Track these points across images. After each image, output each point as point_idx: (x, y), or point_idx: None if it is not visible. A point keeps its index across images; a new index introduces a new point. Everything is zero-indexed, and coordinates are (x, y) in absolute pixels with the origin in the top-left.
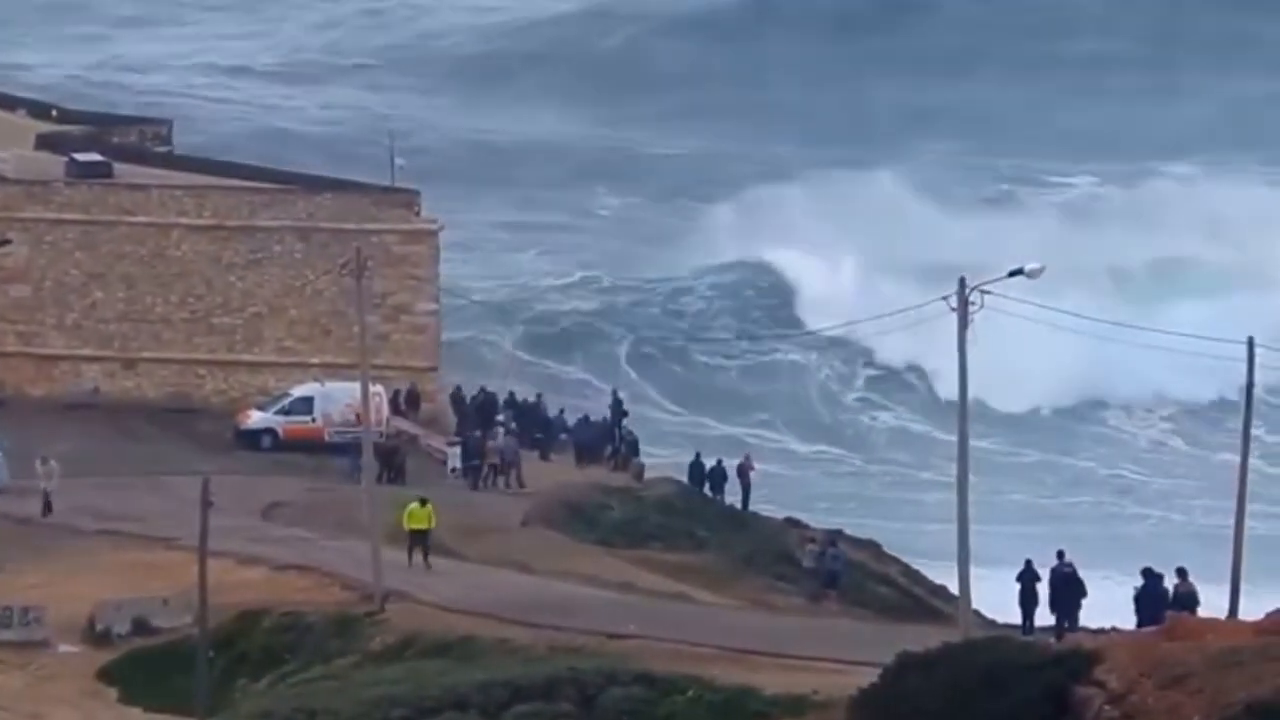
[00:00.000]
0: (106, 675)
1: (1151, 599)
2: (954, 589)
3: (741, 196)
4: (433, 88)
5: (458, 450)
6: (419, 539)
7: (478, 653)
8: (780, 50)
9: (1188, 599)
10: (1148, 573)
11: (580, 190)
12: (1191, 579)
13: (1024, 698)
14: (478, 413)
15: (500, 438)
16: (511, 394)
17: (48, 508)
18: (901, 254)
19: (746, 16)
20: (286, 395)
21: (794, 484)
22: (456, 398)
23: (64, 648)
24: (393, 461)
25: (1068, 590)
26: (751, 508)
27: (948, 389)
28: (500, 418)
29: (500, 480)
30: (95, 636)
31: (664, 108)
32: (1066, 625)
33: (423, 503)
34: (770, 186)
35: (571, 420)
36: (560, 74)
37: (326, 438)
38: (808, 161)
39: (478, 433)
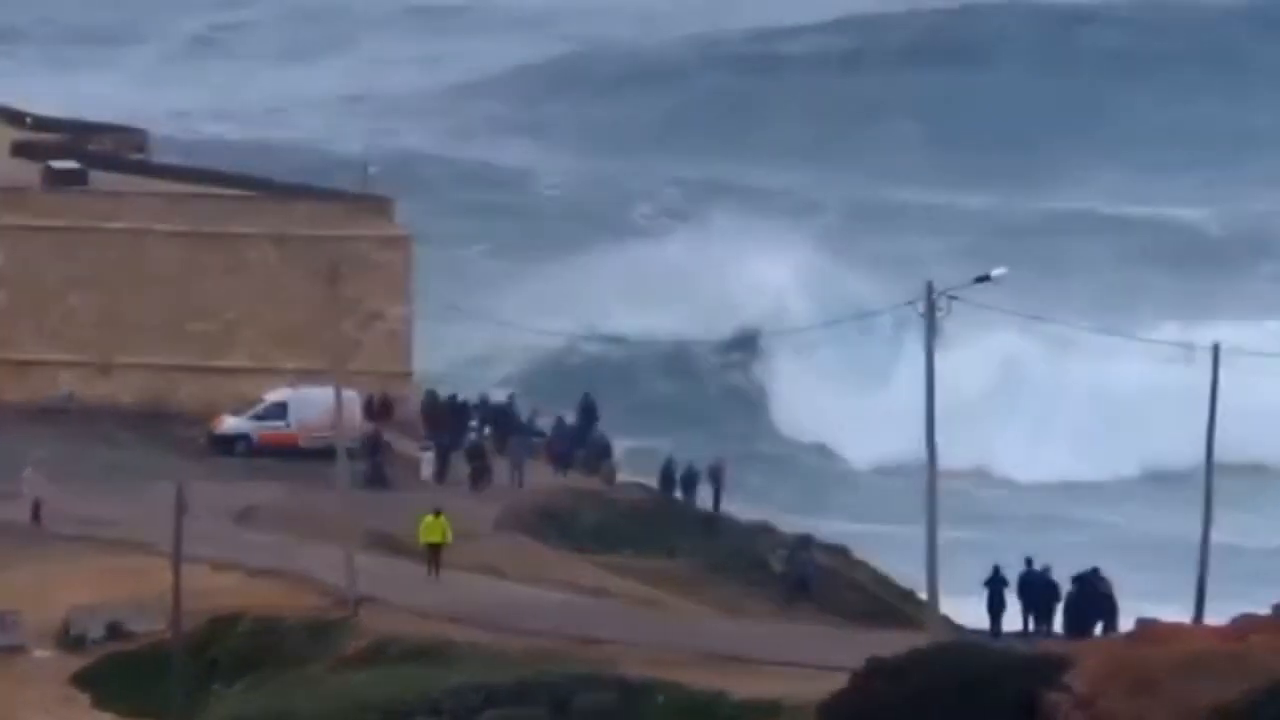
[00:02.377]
0: (81, 680)
1: (1078, 605)
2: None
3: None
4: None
5: (430, 455)
6: (435, 552)
7: (451, 657)
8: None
9: (1103, 598)
10: (1078, 579)
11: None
12: (1104, 574)
13: (993, 703)
14: (451, 416)
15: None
16: (483, 397)
17: (37, 516)
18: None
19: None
20: (261, 401)
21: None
22: (428, 403)
23: (39, 653)
24: (374, 462)
25: (1044, 595)
26: (723, 511)
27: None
28: (473, 422)
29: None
30: (70, 641)
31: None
32: (1040, 630)
33: (436, 514)
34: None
35: (541, 423)
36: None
37: (301, 443)
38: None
39: (473, 436)
